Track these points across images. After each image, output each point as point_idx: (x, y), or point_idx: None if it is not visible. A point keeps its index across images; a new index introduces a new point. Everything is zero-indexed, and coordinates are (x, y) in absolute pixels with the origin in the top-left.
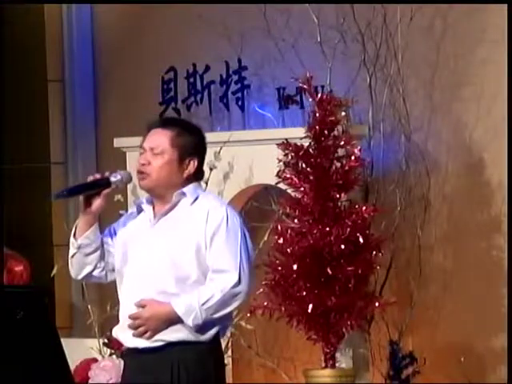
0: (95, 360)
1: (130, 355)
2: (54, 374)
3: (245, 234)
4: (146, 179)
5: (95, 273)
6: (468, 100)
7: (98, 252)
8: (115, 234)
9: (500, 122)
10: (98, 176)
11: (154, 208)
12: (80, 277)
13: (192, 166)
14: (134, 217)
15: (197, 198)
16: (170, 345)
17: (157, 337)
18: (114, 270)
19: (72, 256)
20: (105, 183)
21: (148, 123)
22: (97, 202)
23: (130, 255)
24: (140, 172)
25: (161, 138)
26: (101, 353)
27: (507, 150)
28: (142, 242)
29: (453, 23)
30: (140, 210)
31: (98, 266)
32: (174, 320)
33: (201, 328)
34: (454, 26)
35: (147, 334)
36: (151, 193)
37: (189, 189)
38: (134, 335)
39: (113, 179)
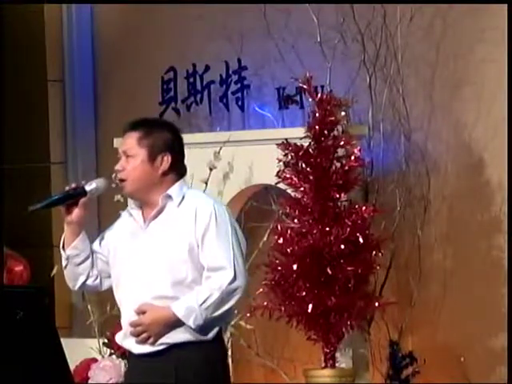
0: (95, 360)
1: (134, 359)
2: (54, 373)
3: (235, 228)
4: (125, 186)
5: (89, 282)
6: (468, 100)
7: (89, 261)
8: (105, 241)
9: (500, 122)
10: (73, 185)
11: (142, 213)
12: (76, 287)
13: (166, 162)
14: (123, 222)
15: (183, 198)
16: (175, 346)
17: (161, 340)
18: (109, 277)
19: (64, 267)
20: (80, 192)
21: (122, 128)
22: (76, 212)
23: (123, 261)
24: (119, 180)
25: (130, 141)
26: (101, 353)
27: (507, 150)
28: (134, 247)
29: (453, 23)
30: (129, 215)
31: (91, 274)
32: (176, 323)
33: (203, 327)
34: (453, 25)
35: (150, 340)
36: (134, 198)
37: (174, 190)
38: (137, 342)
39: (88, 188)
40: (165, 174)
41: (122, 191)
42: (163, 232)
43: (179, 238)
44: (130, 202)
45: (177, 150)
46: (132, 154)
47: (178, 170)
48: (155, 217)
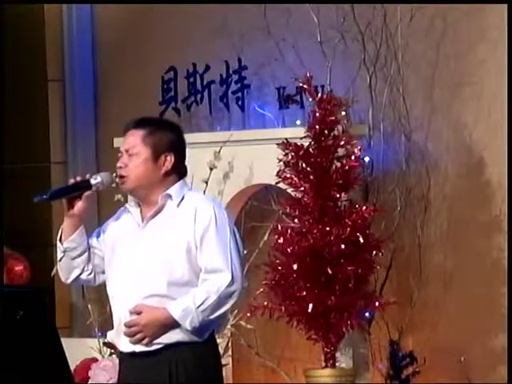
0: (95, 360)
1: (126, 358)
2: (54, 373)
3: (234, 231)
4: (126, 182)
5: (83, 276)
6: (468, 99)
7: (85, 255)
8: (103, 237)
9: (500, 122)
10: (78, 179)
11: (141, 211)
12: (69, 280)
13: (169, 162)
14: (121, 219)
15: (183, 198)
16: (167, 347)
17: (155, 340)
18: (103, 273)
19: (59, 260)
20: (85, 185)
21: (124, 126)
22: (79, 205)
23: (119, 259)
24: (119, 176)
25: (134, 139)
26: (101, 353)
27: (507, 149)
28: (131, 245)
29: (453, 23)
30: (127, 213)
31: (86, 269)
32: (171, 324)
33: (197, 329)
34: (453, 25)
35: (145, 341)
36: (134, 195)
37: (174, 190)
38: (131, 342)
39: (93, 181)
40: (167, 174)
41: (123, 187)
42: (161, 231)
43: (177, 238)
44: (130, 199)
45: (180, 151)
46: (135, 152)
47: (180, 170)
48: (154, 216)
